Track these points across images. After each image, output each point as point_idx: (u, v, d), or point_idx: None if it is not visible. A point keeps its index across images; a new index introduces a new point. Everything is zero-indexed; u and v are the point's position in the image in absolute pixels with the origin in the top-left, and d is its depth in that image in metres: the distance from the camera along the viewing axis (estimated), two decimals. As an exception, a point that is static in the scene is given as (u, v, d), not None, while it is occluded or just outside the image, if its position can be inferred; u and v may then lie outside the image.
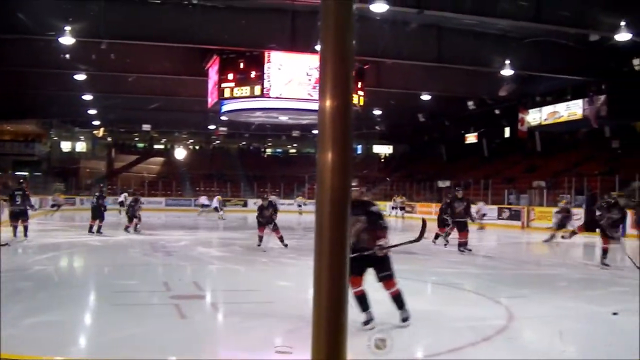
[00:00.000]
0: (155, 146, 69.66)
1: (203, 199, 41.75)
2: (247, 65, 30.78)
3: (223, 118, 40.06)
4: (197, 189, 52.09)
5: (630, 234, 25.13)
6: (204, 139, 68.77)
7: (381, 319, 8.40)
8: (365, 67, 32.53)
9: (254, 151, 71.19)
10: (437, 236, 20.49)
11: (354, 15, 2.46)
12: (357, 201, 7.84)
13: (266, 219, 18.59)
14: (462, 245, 18.37)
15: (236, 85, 31.01)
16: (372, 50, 27.94)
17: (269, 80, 30.43)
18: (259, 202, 19.96)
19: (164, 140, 69.95)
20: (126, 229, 23.38)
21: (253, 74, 30.73)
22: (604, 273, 14.34)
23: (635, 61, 27.39)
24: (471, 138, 52.27)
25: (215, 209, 38.67)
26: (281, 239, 18.63)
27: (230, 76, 31.03)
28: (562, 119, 38.66)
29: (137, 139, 68.68)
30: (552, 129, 41.12)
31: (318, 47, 2.42)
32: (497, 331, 7.82)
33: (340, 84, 2.38)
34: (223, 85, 31.30)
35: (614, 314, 9.05)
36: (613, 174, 31.47)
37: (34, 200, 21.86)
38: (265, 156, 71.92)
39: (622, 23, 23.56)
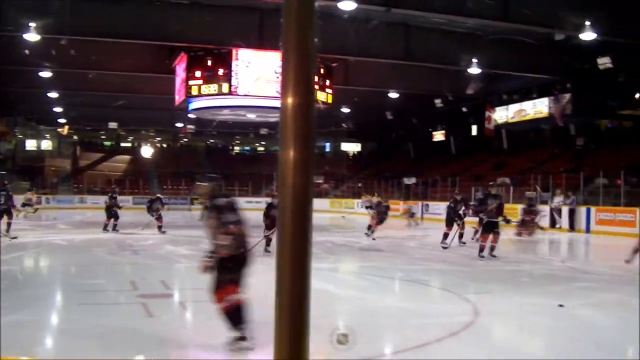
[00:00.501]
0: (122, 144, 69.17)
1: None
2: (215, 63, 30.71)
3: (190, 116, 39.91)
4: (165, 187, 51.79)
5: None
6: (171, 137, 68.35)
7: (347, 315, 8.46)
8: (334, 65, 32.61)
9: (222, 149, 70.96)
10: (445, 236, 19.07)
11: (316, 13, 2.47)
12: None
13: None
14: (491, 250, 15.72)
15: (204, 83, 30.93)
16: (340, 48, 28.02)
17: (236, 78, 30.39)
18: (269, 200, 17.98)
19: (131, 138, 69.46)
20: (105, 227, 23.34)
21: (221, 72, 30.66)
22: (567, 269, 14.51)
23: (600, 60, 27.71)
24: (439, 136, 52.58)
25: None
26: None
27: (198, 74, 30.94)
28: (528, 117, 39.06)
29: (103, 137, 68.10)
30: (519, 127, 41.54)
31: None
32: (464, 327, 7.87)
33: (303, 82, 2.39)
34: (190, 82, 31.20)
35: (560, 305, 9.24)
36: (578, 171, 31.83)
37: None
38: (233, 154, 71.69)
39: (587, 23, 23.88)
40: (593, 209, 27.16)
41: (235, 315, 6.55)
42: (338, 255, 17.33)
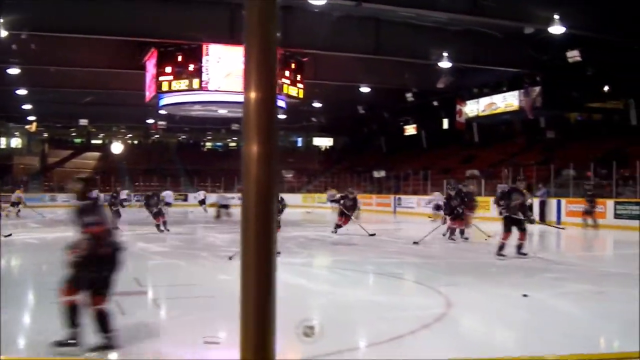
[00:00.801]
0: (93, 141, 68.55)
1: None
2: (186, 59, 30.57)
3: (161, 112, 39.65)
4: (137, 183, 51.49)
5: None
6: (142, 133, 67.92)
7: (320, 309, 8.47)
8: (304, 60, 32.58)
9: (194, 145, 70.62)
10: (452, 231, 18.92)
11: (278, 8, 2.46)
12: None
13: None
14: (519, 248, 14.72)
15: (174, 79, 30.78)
16: (311, 43, 28.03)
17: (207, 74, 30.29)
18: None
19: (102, 135, 68.89)
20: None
21: (191, 67, 30.54)
22: (539, 260, 14.64)
23: (569, 53, 27.95)
24: (410, 130, 52.80)
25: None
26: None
27: (168, 69, 30.78)
28: (498, 110, 39.33)
29: (74, 134, 67.43)
30: (489, 120, 41.78)
31: None
32: (436, 319, 7.94)
33: (265, 76, 2.39)
34: (161, 78, 31.03)
35: (524, 295, 9.34)
36: (548, 163, 32.14)
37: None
38: (205, 150, 71.39)
39: (556, 16, 24.08)
40: (563, 201, 27.45)
41: (101, 319, 6.63)
42: (311, 249, 17.36)
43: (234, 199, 35.27)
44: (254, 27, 2.42)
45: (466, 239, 19.14)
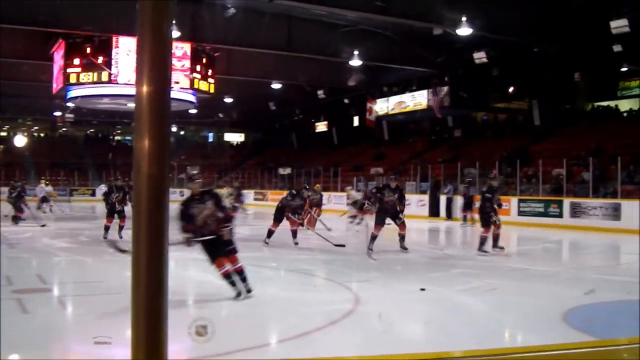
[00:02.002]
0: (-1, 133, 66.31)
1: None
2: (95, 50, 29.90)
3: (69, 104, 38.66)
4: (43, 177, 50.07)
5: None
6: (49, 126, 66.01)
7: (228, 305, 8.45)
8: (216, 54, 32.37)
9: (102, 138, 69.06)
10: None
11: (173, 2, 2.45)
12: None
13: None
14: (401, 240, 15.28)
15: (83, 71, 30.08)
16: (223, 37, 27.90)
17: (117, 66, 29.72)
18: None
19: (6, 127, 66.64)
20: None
21: (100, 60, 29.89)
22: (445, 256, 14.97)
23: (476, 55, 28.67)
24: (321, 126, 53.08)
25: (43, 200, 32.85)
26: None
27: (77, 61, 30.04)
28: (408, 109, 39.93)
29: (-22, 126, 65.10)
30: (399, 118, 42.40)
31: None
32: (344, 315, 8.04)
33: (158, 69, 2.36)
34: (69, 70, 30.28)
35: (422, 289, 9.58)
36: (455, 161, 32.89)
37: None
38: (114, 144, 69.92)
39: (464, 18, 24.63)
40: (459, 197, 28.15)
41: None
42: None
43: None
44: (147, 18, 2.36)
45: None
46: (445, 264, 13.71)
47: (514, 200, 26.26)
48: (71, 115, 50.79)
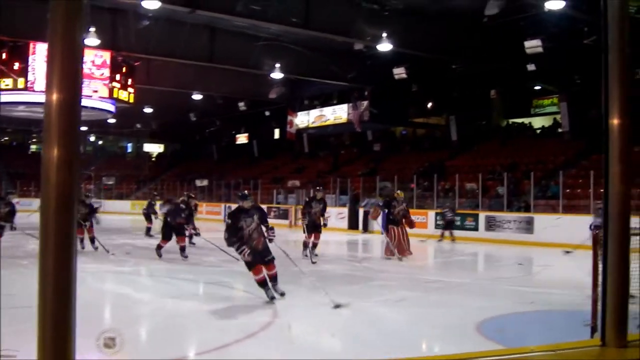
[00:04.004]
0: None
1: None
2: (10, 56, 29.09)
3: (-18, 112, 37.51)
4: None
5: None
6: (-40, 134, 63.88)
7: (146, 318, 8.35)
8: (136, 63, 31.95)
9: (18, 147, 67.08)
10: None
11: (86, 9, 2.42)
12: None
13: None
14: (314, 247, 16.29)
15: (-2, 77, 29.25)
16: (143, 47, 27.56)
17: (33, 73, 28.99)
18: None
19: None
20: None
21: (16, 66, 29.11)
22: (363, 269, 15.13)
23: (395, 70, 29.10)
24: (242, 138, 52.92)
25: None
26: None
27: (-9, 67, 29.19)
28: (328, 122, 40.14)
29: None
30: (319, 131, 42.63)
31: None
32: (262, 327, 8.06)
33: (69, 77, 2.33)
34: (-17, 77, 29.38)
35: (336, 306, 9.51)
36: (374, 174, 33.28)
37: None
38: (30, 152, 68.03)
39: (384, 34, 25.00)
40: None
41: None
42: (139, 258, 16.97)
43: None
44: (58, 27, 2.34)
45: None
46: (364, 276, 13.84)
47: (431, 214, 26.68)
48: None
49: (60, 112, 2.30)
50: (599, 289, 3.68)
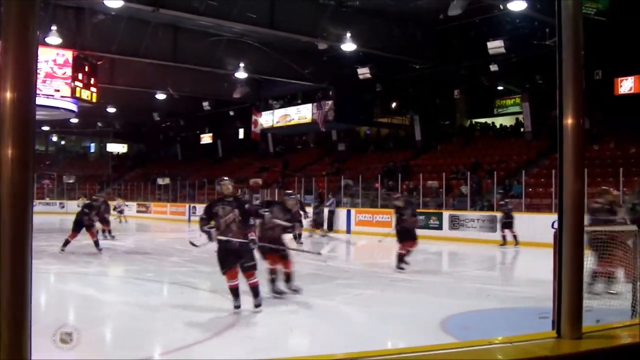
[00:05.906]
0: None
1: None
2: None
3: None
4: None
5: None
6: None
7: (111, 319, 8.33)
8: (99, 62, 31.66)
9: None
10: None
11: (39, 5, 2.42)
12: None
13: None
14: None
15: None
16: (106, 46, 27.38)
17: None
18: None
19: None
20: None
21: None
22: (329, 268, 15.20)
23: (360, 70, 29.24)
24: (206, 138, 52.69)
25: None
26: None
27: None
28: (293, 122, 40.14)
29: None
30: (284, 131, 42.66)
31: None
32: (228, 327, 8.09)
33: (23, 75, 2.33)
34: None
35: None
36: (339, 174, 33.38)
37: None
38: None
39: (348, 34, 25.11)
40: (353, 211, 28.61)
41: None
42: (102, 259, 16.84)
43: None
44: (12, 23, 2.33)
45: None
46: (329, 276, 13.91)
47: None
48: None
49: (14, 111, 2.29)
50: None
